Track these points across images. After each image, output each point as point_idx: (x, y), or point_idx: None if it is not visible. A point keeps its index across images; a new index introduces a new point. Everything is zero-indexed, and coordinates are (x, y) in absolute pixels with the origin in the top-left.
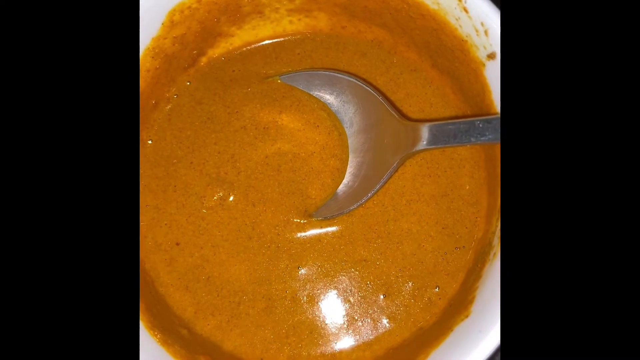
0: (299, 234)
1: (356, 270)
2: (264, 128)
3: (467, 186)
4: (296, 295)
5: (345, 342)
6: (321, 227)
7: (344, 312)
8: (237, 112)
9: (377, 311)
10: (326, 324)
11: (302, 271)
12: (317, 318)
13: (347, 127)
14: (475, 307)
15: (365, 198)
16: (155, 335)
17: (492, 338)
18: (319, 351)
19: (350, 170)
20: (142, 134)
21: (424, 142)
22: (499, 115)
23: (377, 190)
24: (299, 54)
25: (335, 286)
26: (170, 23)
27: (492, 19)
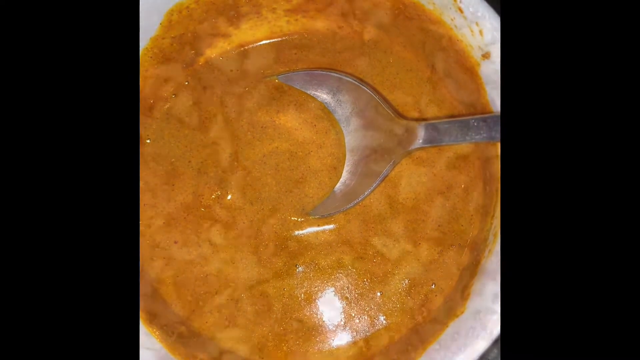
0: (296, 232)
1: (353, 268)
2: (262, 127)
3: (462, 184)
4: (294, 292)
5: (342, 339)
6: (318, 225)
7: (341, 309)
8: (234, 111)
9: (373, 308)
10: (323, 321)
11: (300, 269)
12: (315, 315)
13: (343, 126)
14: (470, 304)
15: (362, 196)
16: (154, 333)
17: (487, 334)
18: (316, 348)
19: (347, 168)
20: (141, 133)
21: (420, 141)
22: (493, 114)
23: (374, 189)
24: (295, 53)
25: (333, 284)
26: (169, 23)
27: (487, 18)
